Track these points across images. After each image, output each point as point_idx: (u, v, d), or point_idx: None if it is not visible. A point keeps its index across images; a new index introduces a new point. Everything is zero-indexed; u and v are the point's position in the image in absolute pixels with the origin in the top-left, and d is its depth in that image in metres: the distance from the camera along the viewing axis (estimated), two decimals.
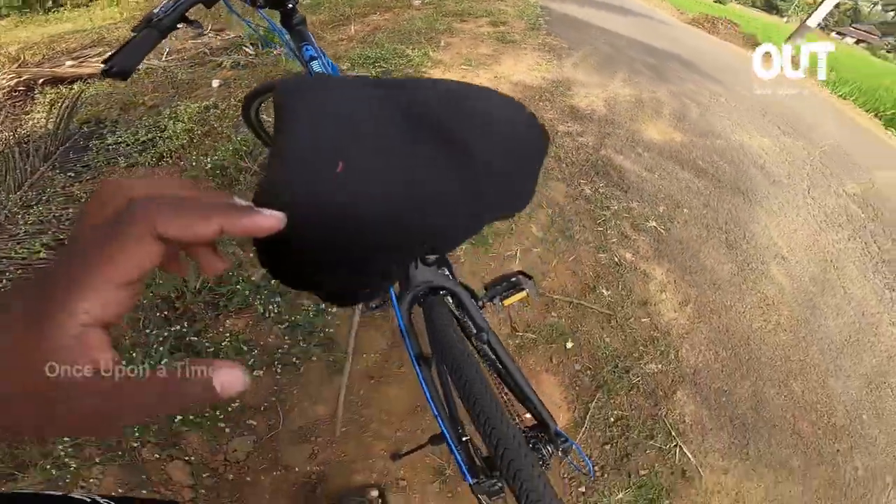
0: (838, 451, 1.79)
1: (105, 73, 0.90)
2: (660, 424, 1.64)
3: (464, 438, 1.04)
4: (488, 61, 3.61)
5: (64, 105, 2.70)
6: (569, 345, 1.76)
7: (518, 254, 2.02)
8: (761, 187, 2.99)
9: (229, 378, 0.24)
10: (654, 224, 2.33)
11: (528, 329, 1.77)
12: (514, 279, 1.32)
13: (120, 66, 0.89)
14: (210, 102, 2.87)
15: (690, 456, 1.59)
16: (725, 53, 7.09)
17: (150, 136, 2.57)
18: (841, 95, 5.93)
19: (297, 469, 1.37)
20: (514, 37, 4.10)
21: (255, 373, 1.53)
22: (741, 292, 2.20)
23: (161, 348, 1.50)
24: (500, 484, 0.96)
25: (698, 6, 13.57)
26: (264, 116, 1.48)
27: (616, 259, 2.10)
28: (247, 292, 1.70)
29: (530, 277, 1.31)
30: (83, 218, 0.25)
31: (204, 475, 1.33)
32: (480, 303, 1.23)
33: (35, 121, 2.77)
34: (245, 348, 1.57)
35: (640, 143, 2.97)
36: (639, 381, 1.73)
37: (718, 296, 2.13)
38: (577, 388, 1.67)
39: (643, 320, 1.91)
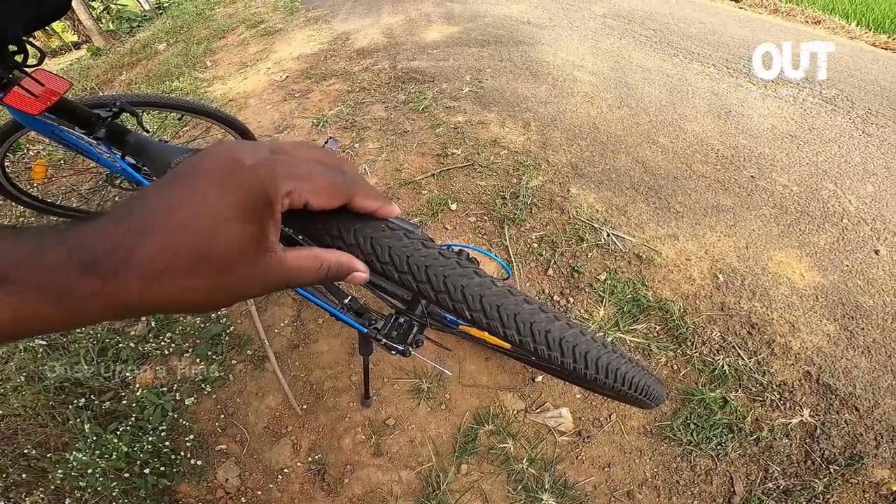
0: (752, 176, 1.99)
1: None
2: (578, 224, 1.72)
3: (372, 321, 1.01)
4: (263, 55, 3.52)
5: None
6: (453, 206, 1.83)
7: (366, 168, 2.03)
8: (535, 34, 3.37)
9: (360, 274, 0.35)
10: (468, 90, 2.50)
11: (409, 215, 1.80)
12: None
13: None
14: None
15: (627, 237, 1.67)
16: None
17: None
18: None
19: (292, 467, 1.27)
20: (277, 27, 4.04)
21: (188, 401, 1.39)
22: (565, 98, 2.47)
23: (88, 425, 1.31)
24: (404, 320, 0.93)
25: None
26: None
27: (452, 125, 2.22)
28: (132, 344, 1.50)
29: (335, 139, 1.33)
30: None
31: None
32: None
33: None
34: (164, 390, 1.40)
35: (426, 47, 3.14)
36: (532, 199, 1.83)
37: (549, 108, 2.36)
38: (484, 234, 1.74)
39: (501, 153, 2.05)
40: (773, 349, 1.42)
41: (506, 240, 1.68)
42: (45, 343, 1.52)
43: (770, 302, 1.53)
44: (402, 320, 0.95)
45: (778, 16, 4.66)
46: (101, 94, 3.58)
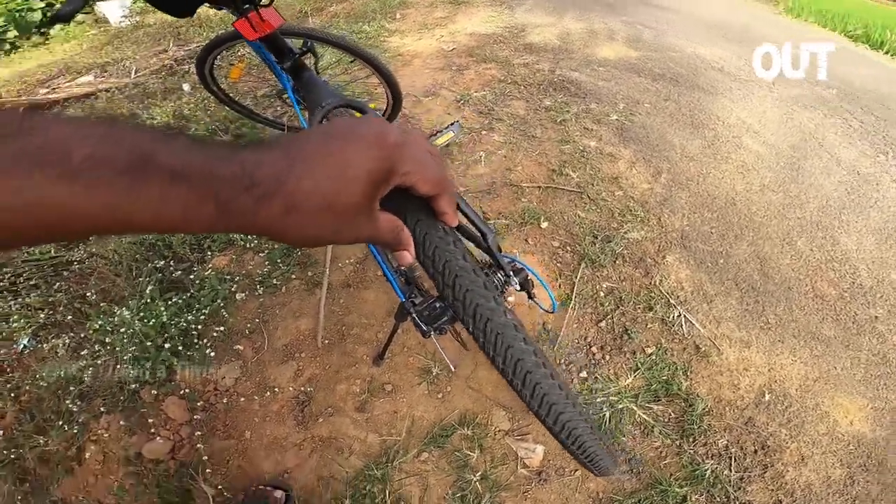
0: (876, 317, 1.69)
1: (53, 19, 1.04)
2: (656, 293, 1.60)
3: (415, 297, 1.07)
4: (443, 22, 3.73)
5: None
6: (543, 224, 1.81)
7: (483, 157, 2.09)
8: (722, 84, 3.03)
9: (408, 256, 0.40)
10: (615, 117, 2.38)
11: (500, 216, 1.82)
12: (441, 129, 1.40)
13: (63, 10, 1.03)
14: (184, 101, 3.00)
15: (699, 326, 1.53)
16: None
17: None
18: (797, 17, 5.88)
19: (283, 389, 1.39)
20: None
21: (238, 296, 1.59)
22: (716, 161, 2.23)
23: (150, 287, 1.57)
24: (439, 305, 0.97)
25: None
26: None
27: (580, 147, 2.15)
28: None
29: (458, 121, 1.40)
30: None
31: (198, 406, 1.36)
32: None
33: None
34: (228, 278, 1.64)
35: (594, 62, 3.04)
36: (623, 250, 1.74)
37: (693, 166, 2.15)
38: (558, 264, 1.71)
39: (616, 193, 1.95)
40: (765, 472, 1.28)
41: (576, 277, 1.63)
42: None
43: (798, 433, 1.37)
44: (438, 305, 1.01)
45: None
46: (308, 20, 4.12)
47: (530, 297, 1.22)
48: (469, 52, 3.10)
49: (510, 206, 1.87)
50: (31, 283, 1.64)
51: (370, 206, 0.33)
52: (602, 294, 1.60)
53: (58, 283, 1.61)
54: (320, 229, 0.31)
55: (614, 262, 1.69)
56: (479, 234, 1.07)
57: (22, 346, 1.49)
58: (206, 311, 1.51)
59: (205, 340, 1.47)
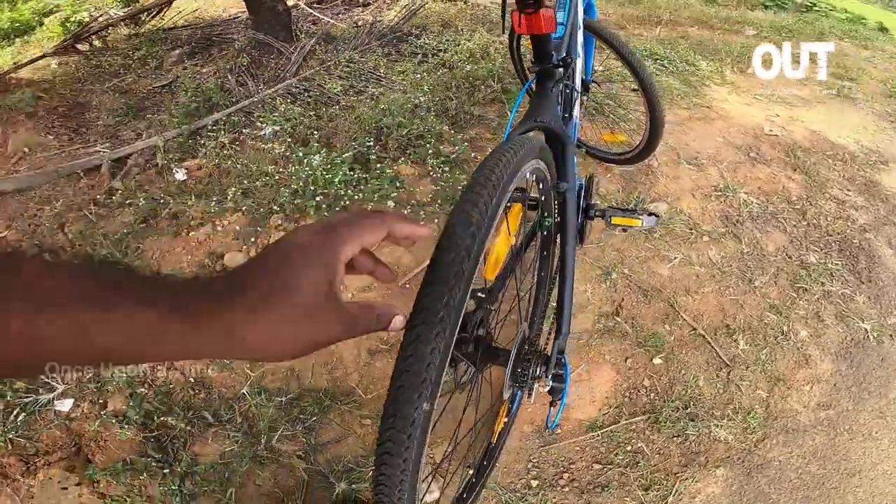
0: None
1: None
2: (668, 482, 1.34)
3: None
4: (798, 103, 2.99)
5: (406, 11, 3.66)
6: (656, 360, 1.56)
7: (676, 261, 1.82)
8: None
9: (398, 322, 0.38)
10: (867, 327, 1.69)
11: (631, 321, 1.63)
12: (638, 209, 1.23)
13: None
14: (500, 40, 3.32)
15: None
16: None
17: (443, 47, 3.20)
18: None
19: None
20: (854, 95, 3.24)
21: (390, 203, 1.91)
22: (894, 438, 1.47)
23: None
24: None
25: None
26: None
27: (785, 328, 1.65)
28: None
29: (658, 216, 1.22)
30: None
31: None
32: (593, 213, 1.23)
33: (388, 16, 3.77)
34: (399, 182, 2.00)
35: None
36: (694, 435, 1.42)
37: (874, 425, 1.48)
38: (627, 397, 1.50)
39: (758, 392, 1.51)
40: None
41: (626, 419, 1.43)
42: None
43: None
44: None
45: None
46: (656, 29, 3.79)
47: (551, 403, 1.18)
48: (787, 150, 2.51)
49: (648, 322, 1.64)
50: None
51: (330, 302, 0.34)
52: (629, 448, 1.37)
53: None
54: (286, 343, 0.33)
55: (673, 436, 1.39)
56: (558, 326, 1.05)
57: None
58: (376, 198, 1.89)
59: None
